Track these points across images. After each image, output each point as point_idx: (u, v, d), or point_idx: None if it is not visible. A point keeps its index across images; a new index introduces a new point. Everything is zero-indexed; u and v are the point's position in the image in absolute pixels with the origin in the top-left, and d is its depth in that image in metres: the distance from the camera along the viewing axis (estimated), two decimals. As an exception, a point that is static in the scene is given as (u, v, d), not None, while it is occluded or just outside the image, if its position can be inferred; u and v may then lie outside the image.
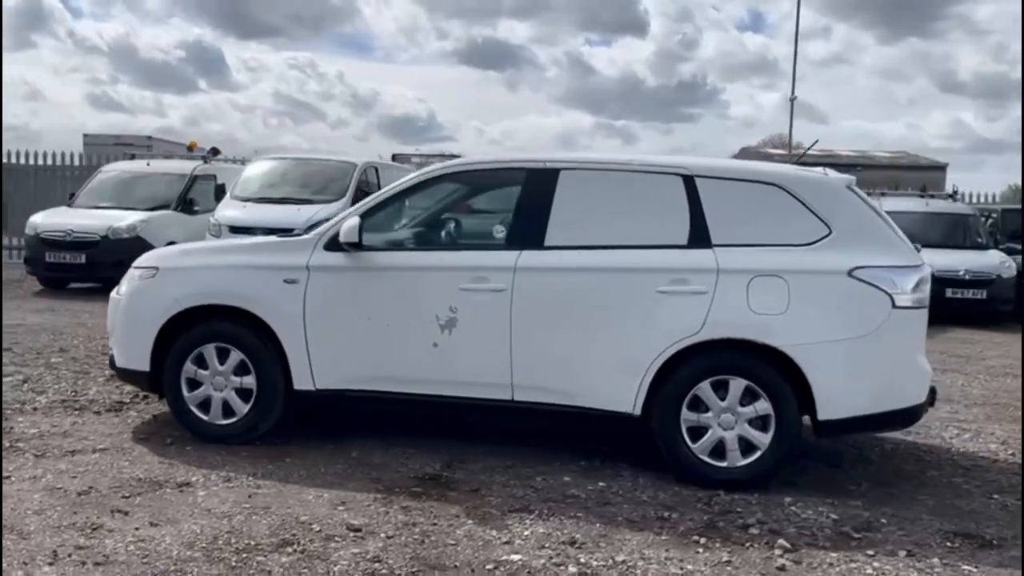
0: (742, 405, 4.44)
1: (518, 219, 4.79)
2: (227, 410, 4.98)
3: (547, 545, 3.69)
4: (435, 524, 3.88)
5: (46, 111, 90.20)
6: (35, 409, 5.59)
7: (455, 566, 3.46)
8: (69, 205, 12.61)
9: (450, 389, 4.76)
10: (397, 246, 5.00)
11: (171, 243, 9.05)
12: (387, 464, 4.71)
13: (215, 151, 13.66)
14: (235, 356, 4.93)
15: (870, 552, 3.74)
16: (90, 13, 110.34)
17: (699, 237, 4.57)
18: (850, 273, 4.39)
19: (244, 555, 3.48)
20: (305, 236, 4.99)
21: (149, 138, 23.09)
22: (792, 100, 27.30)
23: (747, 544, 3.79)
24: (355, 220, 4.74)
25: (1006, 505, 4.44)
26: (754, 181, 4.65)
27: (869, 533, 3.97)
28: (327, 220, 5.13)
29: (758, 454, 4.45)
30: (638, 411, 4.53)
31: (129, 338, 5.12)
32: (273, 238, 5.41)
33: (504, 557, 3.55)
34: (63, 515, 3.82)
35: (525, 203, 4.79)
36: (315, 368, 4.84)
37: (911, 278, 4.44)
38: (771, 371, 4.40)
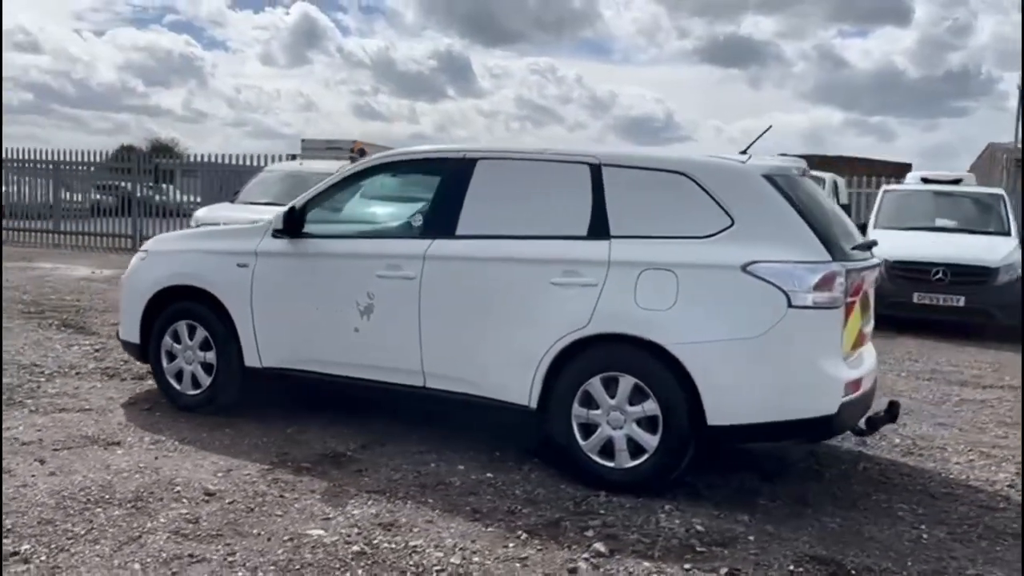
0: (631, 404, 4.22)
1: (433, 209, 4.84)
2: (195, 382, 5.45)
3: (361, 525, 3.76)
4: (283, 497, 4.07)
5: (318, 120, 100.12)
6: (77, 374, 6.38)
7: (257, 534, 3.63)
8: (231, 201, 13.97)
9: (371, 373, 4.90)
10: (328, 234, 5.21)
11: None
12: (309, 441, 4.94)
13: (362, 152, 14.54)
14: (200, 333, 5.39)
15: (689, 566, 3.47)
16: (356, 30, 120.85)
17: (598, 228, 4.40)
18: (744, 268, 4.04)
19: (87, 507, 3.85)
20: (260, 224, 5.34)
21: (354, 142, 24.93)
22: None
23: (565, 545, 3.63)
24: (285, 209, 5.04)
25: (920, 538, 3.89)
26: (660, 170, 4.39)
27: (719, 547, 3.67)
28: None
29: (645, 456, 4.21)
30: (534, 404, 4.44)
31: (125, 313, 5.74)
32: (235, 226, 5.82)
33: (306, 531, 3.67)
34: (10, 457, 4.38)
35: (442, 193, 4.83)
36: (261, 347, 5.18)
37: (813, 275, 4.00)
38: (659, 370, 4.15)
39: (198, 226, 13.16)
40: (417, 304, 4.69)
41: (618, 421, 4.25)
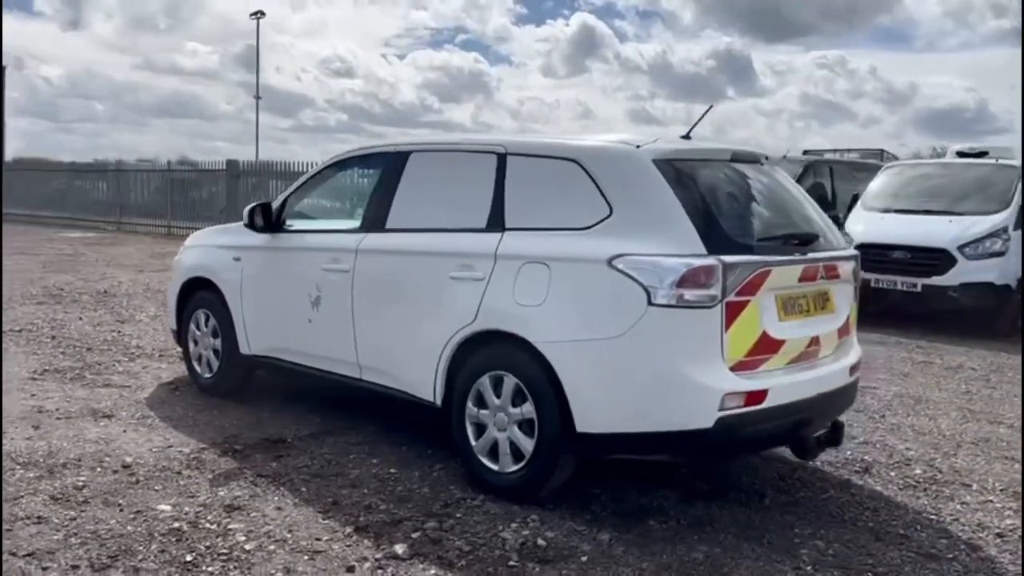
0: (513, 406, 3.99)
1: (370, 203, 4.87)
2: (209, 366, 5.90)
3: (210, 505, 3.89)
4: (179, 474, 4.30)
5: (594, 128, 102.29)
6: (160, 355, 7.13)
7: (118, 504, 3.88)
8: None
9: (322, 363, 5.03)
10: (294, 229, 5.38)
11: None
12: (269, 426, 5.15)
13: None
14: (212, 321, 5.82)
15: None
16: (634, 35, 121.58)
17: (496, 220, 4.20)
18: (610, 262, 3.66)
19: (13, 467, 4.33)
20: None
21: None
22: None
23: (375, 544, 3.53)
24: (253, 204, 5.31)
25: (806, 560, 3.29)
26: (554, 157, 4.10)
27: (536, 563, 3.38)
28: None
29: (524, 462, 3.95)
30: (439, 402, 4.33)
31: (168, 302, 6.33)
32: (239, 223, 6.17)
33: (156, 507, 3.86)
34: (17, 423, 5.05)
35: (378, 187, 4.85)
36: (249, 335, 5.50)
37: (676, 270, 3.52)
38: (533, 370, 3.88)
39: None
40: (351, 297, 4.75)
41: (503, 423, 4.03)
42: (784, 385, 3.77)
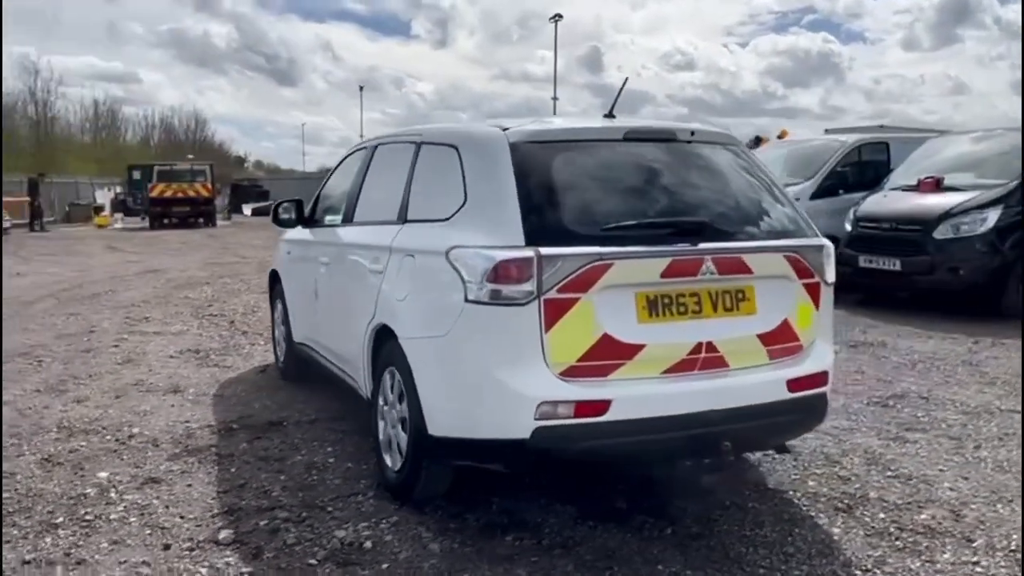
0: (400, 402, 3.86)
1: (347, 196, 4.94)
2: (280, 352, 6.37)
3: (139, 477, 4.25)
4: (160, 448, 4.72)
5: (969, 104, 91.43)
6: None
7: (81, 467, 4.38)
8: None
9: (325, 354, 5.21)
10: (314, 223, 5.56)
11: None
12: (287, 408, 5.46)
13: (759, 140, 13.56)
14: (280, 310, 6.28)
15: (251, 569, 3.23)
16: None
17: (403, 212, 4.09)
18: (447, 255, 3.40)
19: (58, 430, 5.03)
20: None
21: (881, 127, 23.08)
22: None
23: (217, 527, 3.64)
24: (280, 201, 5.62)
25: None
26: (443, 144, 3.88)
27: (336, 566, 3.28)
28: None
29: (402, 462, 3.81)
30: (368, 395, 4.32)
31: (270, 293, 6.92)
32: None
33: (96, 474, 4.29)
34: (107, 393, 5.91)
35: (354, 180, 4.90)
36: (294, 324, 5.86)
37: (486, 263, 3.18)
38: (405, 366, 3.71)
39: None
40: (328, 289, 4.89)
41: (393, 419, 3.92)
42: (647, 396, 3.24)
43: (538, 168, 3.39)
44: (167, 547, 3.45)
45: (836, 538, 3.50)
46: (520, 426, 3.17)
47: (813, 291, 3.61)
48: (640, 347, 3.25)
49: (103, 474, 4.28)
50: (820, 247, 3.66)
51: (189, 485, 4.15)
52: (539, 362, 3.18)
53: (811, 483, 4.08)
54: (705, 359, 3.36)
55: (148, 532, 3.60)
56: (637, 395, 3.24)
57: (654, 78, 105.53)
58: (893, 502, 3.85)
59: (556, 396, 3.16)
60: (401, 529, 3.58)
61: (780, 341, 3.51)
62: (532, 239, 3.17)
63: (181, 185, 30.62)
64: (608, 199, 3.45)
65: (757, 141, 14.03)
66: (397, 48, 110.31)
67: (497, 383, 3.21)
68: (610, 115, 3.87)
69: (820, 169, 10.89)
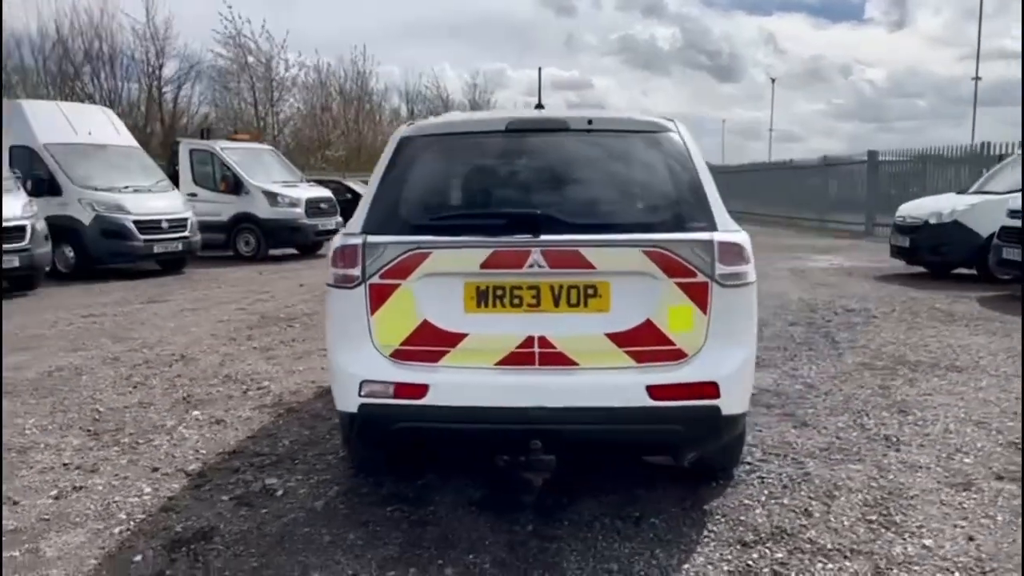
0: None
1: None
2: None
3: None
4: (166, 396, 5.21)
5: None
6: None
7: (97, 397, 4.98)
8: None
9: None
10: None
11: (995, 232, 9.09)
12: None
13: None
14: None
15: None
16: None
17: None
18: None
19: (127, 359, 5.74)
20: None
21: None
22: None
23: (127, 480, 3.91)
24: None
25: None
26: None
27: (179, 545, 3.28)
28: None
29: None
30: None
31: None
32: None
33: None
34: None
35: None
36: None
37: (333, 249, 3.47)
38: None
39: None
40: None
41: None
42: (469, 385, 3.21)
43: (405, 162, 3.49)
44: (58, 497, 3.68)
45: None
46: (349, 401, 3.32)
47: (695, 291, 3.20)
48: (462, 336, 3.22)
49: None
50: (705, 242, 3.20)
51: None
52: (367, 343, 3.28)
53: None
54: (544, 354, 3.19)
55: (84, 475, 3.91)
56: (457, 383, 3.21)
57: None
58: None
59: (378, 376, 3.25)
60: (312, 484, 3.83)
61: (643, 343, 3.18)
62: (367, 228, 3.32)
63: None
64: (450, 192, 3.53)
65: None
66: (847, 34, 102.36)
67: (334, 360, 3.41)
68: (539, 106, 3.79)
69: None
